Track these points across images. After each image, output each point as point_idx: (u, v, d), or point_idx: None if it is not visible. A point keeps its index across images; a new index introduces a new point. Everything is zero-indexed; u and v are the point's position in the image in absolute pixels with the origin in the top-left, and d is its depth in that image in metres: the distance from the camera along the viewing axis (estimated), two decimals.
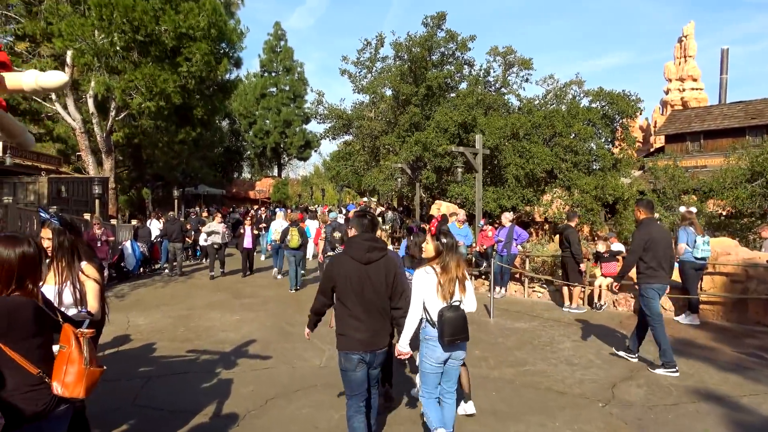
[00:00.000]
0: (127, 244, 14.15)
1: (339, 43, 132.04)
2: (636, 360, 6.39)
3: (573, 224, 9.69)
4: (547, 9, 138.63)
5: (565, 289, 9.55)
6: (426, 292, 3.74)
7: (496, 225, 12.61)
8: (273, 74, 49.84)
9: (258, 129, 48.75)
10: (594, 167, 19.39)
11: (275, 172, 55.12)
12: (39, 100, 21.30)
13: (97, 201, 14.70)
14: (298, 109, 48.89)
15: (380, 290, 3.71)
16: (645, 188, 17.09)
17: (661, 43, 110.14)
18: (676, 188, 16.31)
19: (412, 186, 21.36)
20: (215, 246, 13.53)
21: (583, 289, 9.80)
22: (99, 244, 12.03)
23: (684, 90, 44.72)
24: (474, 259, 12.67)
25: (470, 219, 14.21)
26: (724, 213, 15.95)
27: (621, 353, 6.50)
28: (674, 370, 5.83)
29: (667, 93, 45.52)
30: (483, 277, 12.47)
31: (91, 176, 16.74)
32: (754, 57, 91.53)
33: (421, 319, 3.79)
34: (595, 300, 9.80)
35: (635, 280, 6.43)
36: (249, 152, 51.59)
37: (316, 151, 52.37)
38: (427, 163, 19.09)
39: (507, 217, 11.22)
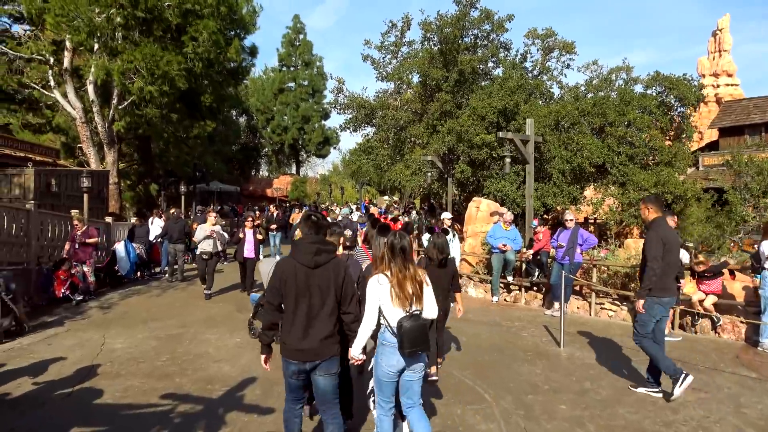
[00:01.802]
0: (120, 245, 12.34)
1: (360, 40, 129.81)
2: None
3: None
4: (565, 6, 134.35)
5: None
6: (381, 300, 3.52)
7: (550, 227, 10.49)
8: (291, 69, 48.16)
9: (276, 125, 47.17)
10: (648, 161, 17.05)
11: (293, 169, 53.48)
12: (38, 87, 19.71)
13: (85, 196, 12.87)
14: (317, 105, 47.21)
15: (328, 295, 3.50)
16: (723, 184, 14.64)
17: (689, 40, 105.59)
18: (764, 184, 13.83)
19: (443, 182, 19.22)
20: (204, 256, 10.46)
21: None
22: (77, 246, 10.23)
23: (718, 86, 42.20)
24: (525, 266, 10.58)
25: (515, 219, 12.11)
26: None
27: (643, 390, 5.28)
28: (685, 376, 4.97)
29: (701, 89, 42.93)
30: (535, 288, 10.38)
31: (81, 169, 14.92)
32: None
33: (379, 324, 3.58)
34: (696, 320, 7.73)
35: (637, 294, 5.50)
36: (267, 149, 50.12)
37: (335, 147, 50.64)
38: (460, 156, 16.95)
39: (570, 218, 9.08)
